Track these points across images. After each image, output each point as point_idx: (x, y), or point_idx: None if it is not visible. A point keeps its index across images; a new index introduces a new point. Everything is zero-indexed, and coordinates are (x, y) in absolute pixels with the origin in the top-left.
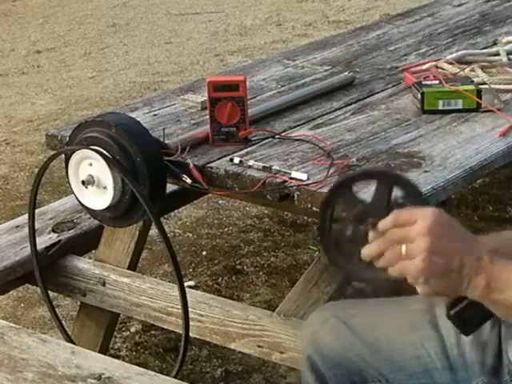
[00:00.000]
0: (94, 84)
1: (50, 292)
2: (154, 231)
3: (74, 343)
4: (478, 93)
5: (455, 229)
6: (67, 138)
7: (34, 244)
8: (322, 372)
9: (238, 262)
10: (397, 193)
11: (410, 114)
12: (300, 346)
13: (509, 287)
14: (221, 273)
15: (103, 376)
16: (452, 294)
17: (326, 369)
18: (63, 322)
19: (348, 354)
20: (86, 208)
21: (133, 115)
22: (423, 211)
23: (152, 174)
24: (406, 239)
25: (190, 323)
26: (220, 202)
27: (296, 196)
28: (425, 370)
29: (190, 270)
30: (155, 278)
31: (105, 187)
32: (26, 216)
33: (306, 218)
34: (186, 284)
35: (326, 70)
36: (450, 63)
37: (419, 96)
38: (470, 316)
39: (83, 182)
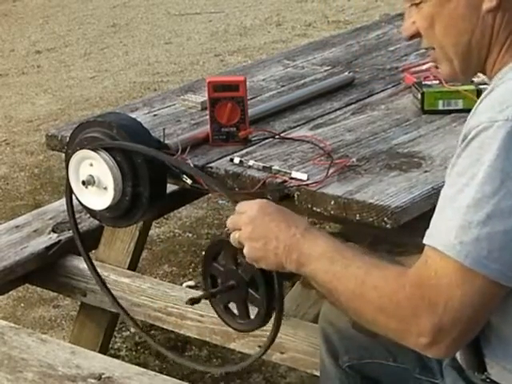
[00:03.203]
0: (94, 84)
1: (49, 292)
2: (153, 231)
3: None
4: (478, 93)
5: (276, 213)
6: (67, 138)
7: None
8: (334, 343)
9: None
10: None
11: (410, 114)
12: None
13: (312, 259)
14: None
15: (103, 376)
16: (277, 269)
17: (337, 340)
18: (63, 322)
19: None
20: (86, 208)
21: (133, 115)
22: (251, 203)
23: (152, 175)
24: (236, 227)
25: (190, 323)
26: (220, 202)
27: (296, 196)
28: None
29: (190, 270)
30: (155, 278)
31: (105, 187)
32: (26, 216)
33: (306, 217)
34: (185, 284)
35: (326, 70)
36: None
37: (419, 96)
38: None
39: (83, 182)
